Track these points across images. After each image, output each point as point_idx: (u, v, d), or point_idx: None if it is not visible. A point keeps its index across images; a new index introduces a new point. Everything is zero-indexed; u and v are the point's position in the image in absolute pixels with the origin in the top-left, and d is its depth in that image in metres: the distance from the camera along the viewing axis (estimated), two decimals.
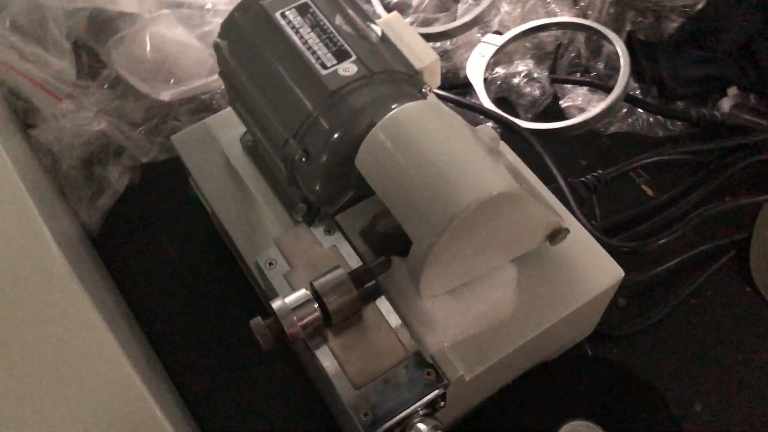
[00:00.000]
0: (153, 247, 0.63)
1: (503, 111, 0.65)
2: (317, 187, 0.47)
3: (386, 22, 0.53)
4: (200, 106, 0.69)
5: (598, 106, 0.65)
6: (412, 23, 0.74)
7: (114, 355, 0.46)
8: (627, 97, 0.66)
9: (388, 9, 0.74)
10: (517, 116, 0.67)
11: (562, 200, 0.52)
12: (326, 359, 0.43)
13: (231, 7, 0.50)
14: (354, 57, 0.46)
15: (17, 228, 0.51)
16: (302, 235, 0.48)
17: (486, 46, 0.70)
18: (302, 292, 0.43)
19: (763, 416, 0.54)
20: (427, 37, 0.72)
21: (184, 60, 0.66)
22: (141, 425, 0.45)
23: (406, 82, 0.47)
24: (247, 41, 0.49)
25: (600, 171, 0.60)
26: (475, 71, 0.69)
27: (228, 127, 0.58)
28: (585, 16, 0.72)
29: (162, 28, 0.64)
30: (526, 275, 0.47)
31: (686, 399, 0.55)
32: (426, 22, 0.74)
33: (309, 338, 0.43)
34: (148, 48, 0.63)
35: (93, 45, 0.71)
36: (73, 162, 0.62)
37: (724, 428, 0.53)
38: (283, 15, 0.48)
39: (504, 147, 0.53)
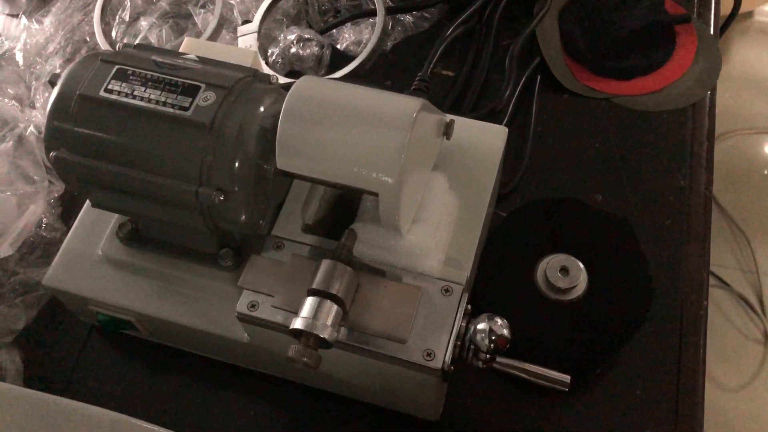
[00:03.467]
0: (91, 397, 0.58)
1: None
2: (243, 218, 0.47)
3: (188, 50, 0.53)
4: (26, 250, 0.63)
5: (372, 32, 0.70)
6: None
7: None
8: (387, 11, 0.72)
9: None
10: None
11: None
12: (367, 342, 0.45)
13: None
14: (203, 86, 0.46)
15: None
16: (260, 264, 0.48)
17: (246, 38, 0.72)
18: (311, 300, 0.43)
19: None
20: None
21: None
22: None
23: (256, 81, 0.48)
24: (89, 135, 0.46)
25: (419, 74, 0.65)
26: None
27: (90, 237, 0.55)
28: None
29: None
30: (446, 172, 0.52)
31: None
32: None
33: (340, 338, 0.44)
34: None
35: None
36: None
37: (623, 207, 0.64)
38: (108, 91, 0.46)
39: None
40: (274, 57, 0.71)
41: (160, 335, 0.57)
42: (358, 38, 0.72)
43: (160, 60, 0.48)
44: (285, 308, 0.46)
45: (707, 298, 0.59)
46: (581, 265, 0.56)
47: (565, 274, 0.56)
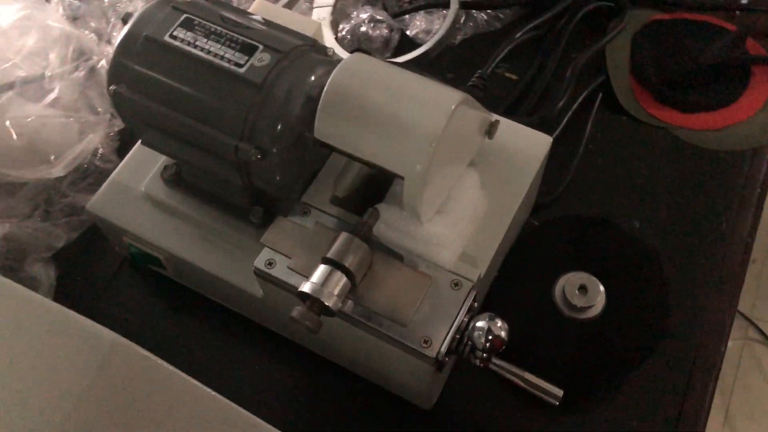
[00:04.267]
0: (110, 322, 0.61)
1: None
2: (278, 178, 0.49)
3: (257, 11, 0.55)
4: (81, 174, 0.66)
5: (443, 23, 0.71)
6: None
7: None
8: (462, 5, 0.72)
9: None
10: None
11: None
12: (369, 318, 0.46)
13: (66, 69, 0.49)
14: (261, 47, 0.48)
15: None
16: (284, 226, 0.50)
17: (321, 10, 0.73)
18: (323, 268, 0.45)
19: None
20: None
21: (49, 133, 0.63)
22: None
23: (313, 51, 0.50)
24: (148, 76, 0.48)
25: (478, 71, 0.66)
26: (325, 36, 0.72)
27: (138, 173, 0.58)
28: None
29: (14, 111, 0.61)
30: (482, 172, 0.52)
31: (627, 221, 0.64)
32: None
33: (345, 309, 0.46)
34: (14, 135, 0.60)
35: None
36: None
37: (656, 238, 0.63)
38: (172, 37, 0.48)
39: None
40: (344, 33, 0.73)
41: (184, 277, 0.60)
42: (428, 27, 0.73)
43: (227, 16, 0.50)
44: (299, 271, 0.47)
45: (725, 345, 0.58)
46: (601, 287, 0.56)
47: (584, 292, 0.56)
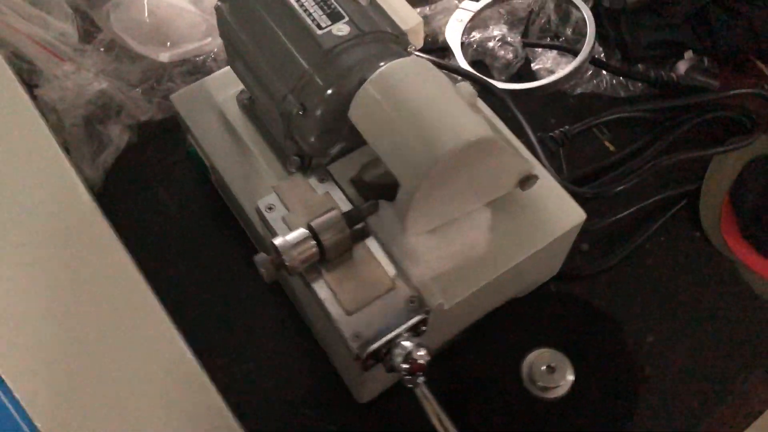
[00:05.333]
0: (152, 202, 0.68)
1: (479, 73, 0.70)
2: (312, 139, 0.52)
3: None
4: (193, 69, 0.73)
5: (566, 68, 0.70)
6: None
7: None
8: (592, 60, 0.71)
9: None
10: (491, 78, 0.72)
11: (532, 153, 0.58)
12: (321, 290, 0.49)
13: None
14: (347, 18, 0.51)
15: (52, 179, 0.55)
16: (299, 183, 0.53)
17: (463, 12, 0.75)
18: (301, 231, 0.48)
19: (706, 345, 0.61)
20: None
21: (178, 23, 0.70)
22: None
23: (393, 41, 0.52)
24: (246, 4, 0.53)
25: (567, 127, 0.65)
26: (453, 35, 0.74)
27: (224, 86, 0.63)
28: None
29: None
30: (499, 216, 0.53)
31: (640, 331, 0.61)
32: None
33: (306, 273, 0.49)
34: (146, 12, 0.67)
35: (87, 10, 0.74)
36: (76, 120, 0.66)
37: (672, 356, 0.60)
38: None
39: (481, 104, 0.58)
40: (471, 40, 0.74)
41: (222, 190, 0.65)
42: (553, 67, 0.73)
43: None
44: (288, 225, 0.50)
45: None
46: (570, 365, 0.55)
47: (551, 371, 0.55)
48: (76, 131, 0.66)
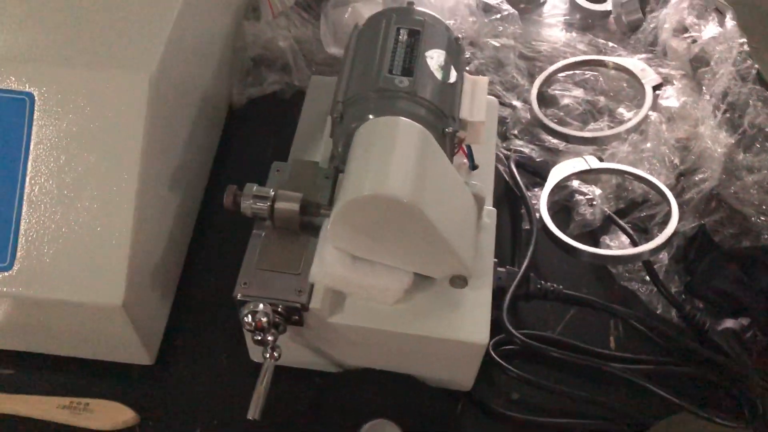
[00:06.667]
0: (256, 140, 0.83)
1: (555, 222, 0.74)
2: (339, 148, 0.63)
3: (474, 80, 0.67)
4: None
5: (626, 249, 0.72)
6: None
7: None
8: (648, 263, 0.72)
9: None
10: (565, 223, 0.76)
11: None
12: (257, 237, 0.60)
13: None
14: (413, 78, 0.61)
15: None
16: (310, 168, 0.64)
17: (581, 162, 0.80)
18: (268, 190, 0.59)
19: None
20: (553, 133, 0.83)
21: None
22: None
23: (436, 116, 0.61)
24: (366, 30, 0.66)
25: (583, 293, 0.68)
26: (558, 173, 0.79)
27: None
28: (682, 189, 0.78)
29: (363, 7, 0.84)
30: (418, 287, 0.59)
31: None
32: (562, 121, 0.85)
33: (255, 219, 0.60)
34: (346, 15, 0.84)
35: None
36: (251, 54, 0.84)
37: None
38: (397, 31, 0.64)
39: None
40: (564, 182, 0.78)
41: None
42: (617, 243, 0.75)
43: (438, 53, 0.63)
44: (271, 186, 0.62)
45: None
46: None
47: None
48: (247, 63, 0.85)
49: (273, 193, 0.59)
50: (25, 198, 0.57)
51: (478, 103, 0.66)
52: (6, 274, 0.57)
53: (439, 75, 0.63)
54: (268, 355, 0.57)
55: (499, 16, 0.89)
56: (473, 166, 0.71)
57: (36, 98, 0.58)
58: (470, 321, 0.59)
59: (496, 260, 0.65)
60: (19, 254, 0.57)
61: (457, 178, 0.60)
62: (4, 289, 0.57)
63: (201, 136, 0.75)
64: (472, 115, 0.65)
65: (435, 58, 0.63)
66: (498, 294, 0.65)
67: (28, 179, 0.57)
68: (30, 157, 0.58)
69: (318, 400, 0.64)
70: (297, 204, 0.59)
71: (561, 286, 0.69)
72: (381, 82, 0.61)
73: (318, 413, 0.62)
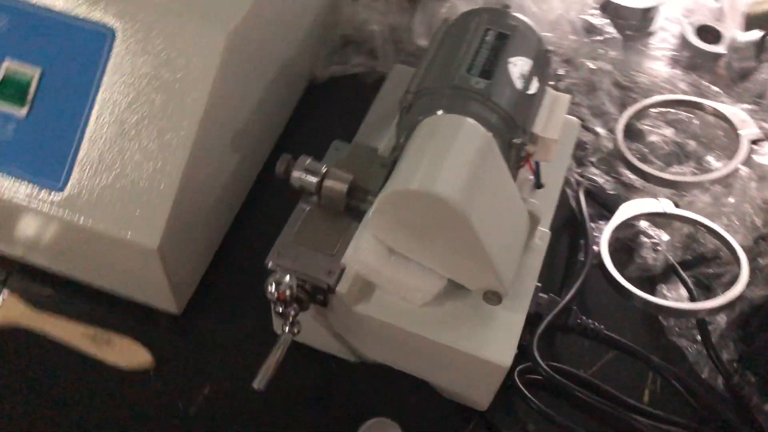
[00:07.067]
0: (330, 117, 0.83)
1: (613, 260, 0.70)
2: (402, 139, 0.62)
3: (555, 96, 0.65)
4: None
5: (682, 303, 0.68)
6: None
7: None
8: (704, 322, 0.68)
9: None
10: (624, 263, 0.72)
11: None
12: (300, 211, 0.60)
13: None
14: (490, 82, 0.59)
15: None
16: (365, 153, 0.63)
17: (654, 203, 0.76)
18: (320, 166, 0.59)
19: None
20: (632, 169, 0.79)
21: None
22: None
23: (506, 124, 0.58)
24: (455, 26, 0.64)
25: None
26: (627, 210, 0.75)
27: None
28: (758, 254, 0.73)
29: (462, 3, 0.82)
30: (450, 294, 0.57)
31: None
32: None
33: (303, 193, 0.60)
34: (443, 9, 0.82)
35: None
36: (341, 33, 0.84)
37: None
38: (485, 31, 0.62)
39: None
40: (630, 220, 0.74)
41: None
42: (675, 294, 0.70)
43: (523, 61, 0.61)
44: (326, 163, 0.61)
45: None
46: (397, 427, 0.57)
47: None
48: (339, 40, 0.84)
49: (324, 169, 0.58)
50: (88, 128, 0.59)
51: (554, 120, 0.63)
52: (57, 195, 0.58)
53: (518, 83, 0.60)
54: (287, 329, 0.57)
55: (601, 38, 0.85)
56: (539, 185, 0.68)
57: (118, 34, 0.59)
58: (496, 340, 0.56)
59: (539, 285, 0.62)
60: (72, 179, 0.58)
61: (514, 192, 0.58)
62: (52, 209, 0.58)
63: (273, 102, 0.75)
64: (546, 131, 0.62)
65: (518, 65, 0.61)
66: (534, 319, 0.62)
67: (94, 110, 0.59)
68: (101, 89, 0.59)
69: (328, 386, 0.63)
70: (345, 185, 0.58)
71: (602, 326, 0.65)
72: (456, 79, 0.59)
73: (325, 399, 0.61)
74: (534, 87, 0.62)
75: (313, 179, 0.58)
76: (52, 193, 0.58)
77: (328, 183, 0.58)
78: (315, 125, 0.82)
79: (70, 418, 0.62)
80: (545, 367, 0.61)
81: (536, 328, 0.61)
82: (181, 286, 0.65)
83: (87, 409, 0.63)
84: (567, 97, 0.65)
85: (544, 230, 0.62)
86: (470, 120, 0.56)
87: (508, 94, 0.59)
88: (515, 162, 0.61)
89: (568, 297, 0.64)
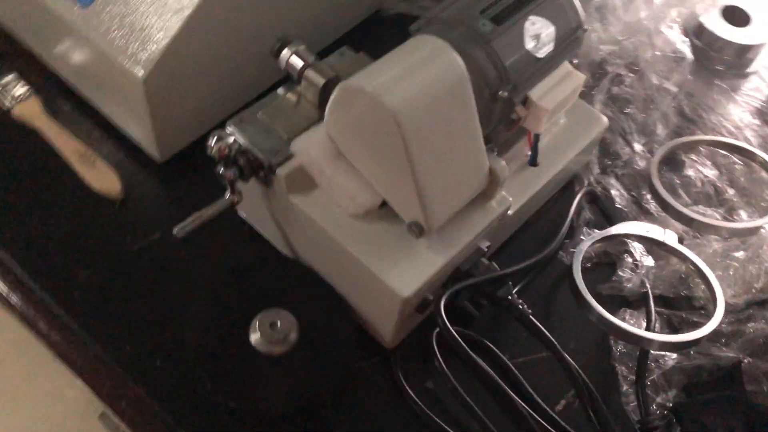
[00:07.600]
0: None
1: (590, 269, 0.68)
2: None
3: (570, 72, 0.63)
4: None
5: (635, 328, 0.64)
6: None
7: None
8: (646, 353, 0.63)
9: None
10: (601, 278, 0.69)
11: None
12: (278, 95, 0.63)
13: None
14: (498, 28, 0.57)
15: None
16: None
17: (658, 231, 0.70)
18: (310, 55, 0.60)
19: None
20: (655, 194, 0.75)
21: None
22: None
23: (498, 76, 0.57)
24: None
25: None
26: (625, 227, 0.71)
27: None
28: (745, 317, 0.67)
29: None
30: (386, 218, 0.58)
31: None
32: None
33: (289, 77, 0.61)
34: None
35: None
36: None
37: None
38: None
39: None
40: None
41: None
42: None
43: (549, 35, 0.59)
44: None
45: None
46: (293, 319, 0.58)
47: (275, 327, 0.59)
48: None
49: (312, 59, 0.60)
50: None
51: (557, 92, 0.61)
52: (82, 10, 0.64)
53: (529, 42, 0.59)
54: (227, 195, 0.59)
55: (674, 55, 0.80)
56: (533, 162, 0.66)
57: None
58: (404, 271, 0.56)
59: (485, 249, 0.61)
60: (96, 3, 0.63)
61: (477, 141, 0.57)
62: (77, 22, 0.64)
63: (322, 7, 0.77)
64: (541, 99, 0.60)
65: (537, 25, 0.59)
66: (462, 277, 0.61)
67: None
68: None
69: (253, 268, 0.64)
70: (323, 79, 0.59)
71: (530, 311, 0.62)
72: (466, 17, 0.58)
73: (245, 277, 0.63)
74: (545, 52, 0.60)
75: (299, 64, 0.60)
76: (78, 6, 0.64)
77: (309, 73, 0.59)
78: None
79: (33, 215, 0.68)
80: (447, 323, 0.58)
81: (455, 285, 0.60)
82: (167, 136, 0.69)
83: (47, 215, 0.68)
84: (581, 76, 0.63)
85: (505, 196, 0.61)
86: (453, 53, 0.55)
87: (512, 48, 0.58)
88: (499, 118, 0.59)
89: (507, 270, 0.62)
